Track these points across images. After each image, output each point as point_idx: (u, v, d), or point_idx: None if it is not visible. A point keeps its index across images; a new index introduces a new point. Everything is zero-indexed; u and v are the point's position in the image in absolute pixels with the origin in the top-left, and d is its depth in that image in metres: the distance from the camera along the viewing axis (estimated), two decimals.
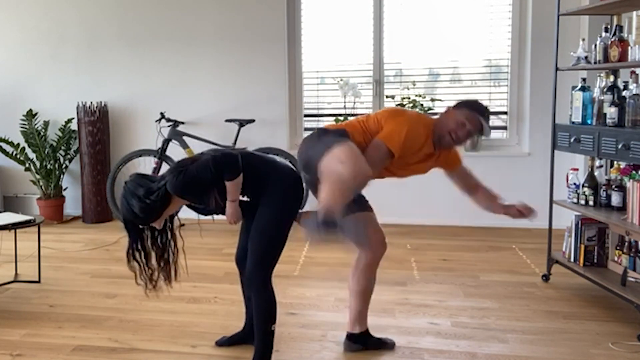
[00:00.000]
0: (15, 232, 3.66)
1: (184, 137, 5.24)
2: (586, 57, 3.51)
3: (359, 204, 2.71)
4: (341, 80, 5.42)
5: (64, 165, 5.66)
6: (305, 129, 5.53)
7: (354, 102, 5.42)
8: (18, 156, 5.56)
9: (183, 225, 2.54)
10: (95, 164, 5.48)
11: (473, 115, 2.54)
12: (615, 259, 3.42)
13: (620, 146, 3.01)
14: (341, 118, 5.40)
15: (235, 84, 5.42)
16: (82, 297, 3.55)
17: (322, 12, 5.39)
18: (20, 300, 3.49)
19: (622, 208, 3.27)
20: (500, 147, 5.26)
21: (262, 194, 2.44)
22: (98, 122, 5.45)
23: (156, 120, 5.31)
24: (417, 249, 4.53)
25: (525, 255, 4.31)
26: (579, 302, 3.37)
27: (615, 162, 3.43)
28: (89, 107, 5.43)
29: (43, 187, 5.58)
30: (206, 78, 5.51)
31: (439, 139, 2.58)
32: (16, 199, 5.86)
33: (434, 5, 5.21)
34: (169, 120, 5.28)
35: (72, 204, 5.78)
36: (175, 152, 5.19)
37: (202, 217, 2.64)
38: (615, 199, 3.32)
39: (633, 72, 3.18)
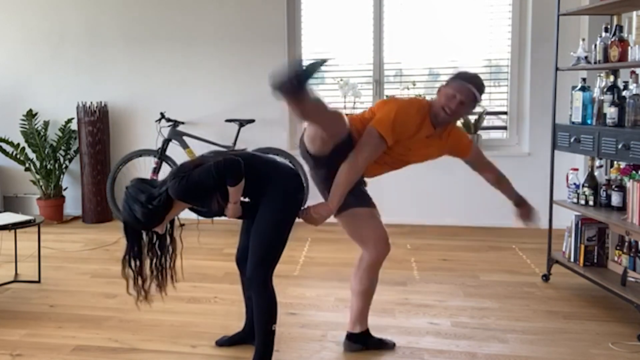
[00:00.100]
0: (15, 232, 3.66)
1: (184, 137, 5.24)
2: (586, 57, 3.51)
3: (361, 200, 2.70)
4: (341, 80, 5.42)
5: (64, 165, 5.66)
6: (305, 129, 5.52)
7: (354, 102, 5.42)
8: (18, 156, 5.56)
9: (183, 225, 2.54)
10: (95, 164, 5.48)
11: (461, 85, 2.51)
12: (615, 259, 3.42)
13: (620, 146, 3.01)
14: None
15: (235, 84, 5.42)
16: (82, 297, 3.54)
17: (322, 12, 5.39)
18: (20, 300, 3.49)
19: (622, 208, 3.27)
20: (500, 147, 5.26)
21: (262, 195, 2.44)
22: (98, 122, 5.45)
23: (156, 120, 5.31)
24: (417, 249, 4.53)
25: (525, 255, 4.30)
26: (579, 302, 3.37)
27: (615, 162, 3.43)
28: (89, 107, 5.43)
29: (43, 187, 5.58)
30: (206, 78, 5.50)
31: (435, 117, 2.57)
32: (16, 199, 5.86)
33: (434, 5, 5.21)
34: (169, 120, 5.28)
35: (72, 204, 5.78)
36: (175, 152, 5.20)
37: (201, 218, 2.64)
38: (615, 199, 3.32)
39: (633, 72, 3.18)
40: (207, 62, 5.47)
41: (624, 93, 3.24)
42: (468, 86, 2.52)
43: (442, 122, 2.58)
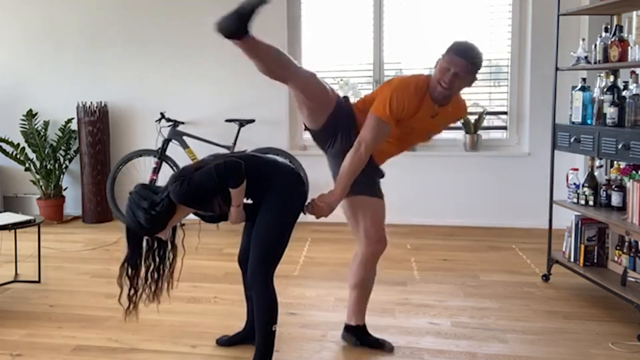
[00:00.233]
0: (15, 232, 3.66)
1: (184, 137, 5.24)
2: (586, 57, 3.51)
3: (370, 189, 2.69)
4: (341, 80, 5.42)
5: (64, 165, 5.66)
6: (305, 129, 5.52)
7: None
8: (18, 156, 5.56)
9: (183, 224, 2.54)
10: (95, 164, 5.48)
11: (454, 58, 2.48)
12: (615, 259, 3.42)
13: (620, 146, 3.01)
14: None
15: (235, 84, 5.42)
16: (82, 297, 3.55)
17: (322, 12, 5.39)
18: (20, 300, 3.49)
19: (622, 208, 3.27)
20: (500, 147, 5.27)
21: (264, 195, 2.45)
22: (98, 122, 5.45)
23: (156, 120, 5.31)
24: (417, 249, 4.53)
25: (525, 255, 4.30)
26: (579, 302, 3.37)
27: (615, 162, 3.43)
28: (89, 107, 5.43)
29: (43, 187, 5.58)
30: (206, 78, 5.50)
31: (433, 91, 2.55)
32: (16, 199, 5.86)
33: (434, 5, 5.21)
34: (169, 120, 5.28)
35: (72, 204, 5.78)
36: (175, 152, 5.20)
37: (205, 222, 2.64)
38: (615, 199, 3.32)
39: (633, 72, 3.18)
40: (207, 62, 5.46)
41: (624, 93, 3.24)
42: (460, 59, 2.47)
43: (440, 96, 2.54)
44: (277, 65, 2.55)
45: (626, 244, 3.34)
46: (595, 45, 3.39)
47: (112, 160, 5.61)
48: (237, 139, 5.20)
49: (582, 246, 3.50)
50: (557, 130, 3.66)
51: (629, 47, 3.17)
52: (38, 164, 5.56)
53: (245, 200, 2.46)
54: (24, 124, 5.57)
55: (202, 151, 5.06)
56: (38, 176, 5.57)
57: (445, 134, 5.36)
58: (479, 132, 5.18)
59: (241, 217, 2.47)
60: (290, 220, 2.47)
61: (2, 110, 5.82)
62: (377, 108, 2.53)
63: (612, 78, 3.35)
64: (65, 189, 5.73)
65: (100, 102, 5.50)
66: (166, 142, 5.22)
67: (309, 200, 2.57)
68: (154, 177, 5.17)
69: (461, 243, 4.68)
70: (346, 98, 2.74)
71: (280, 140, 5.34)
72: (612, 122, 3.18)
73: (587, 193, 3.48)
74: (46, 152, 5.54)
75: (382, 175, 2.79)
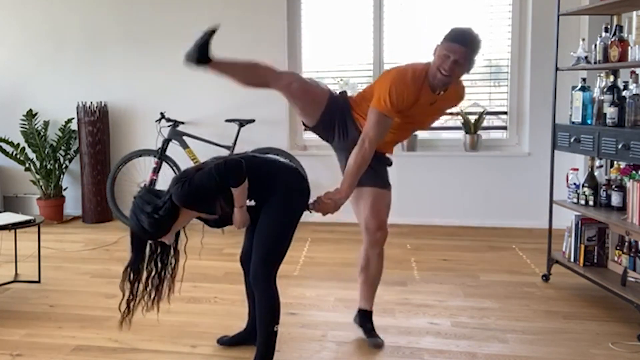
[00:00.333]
0: (15, 232, 3.66)
1: (184, 137, 5.24)
2: (586, 57, 3.51)
3: (374, 179, 2.74)
4: (341, 80, 5.42)
5: (64, 165, 5.66)
6: (305, 129, 5.52)
7: None
8: (18, 156, 5.56)
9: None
10: (95, 164, 5.48)
11: (453, 45, 2.49)
12: (615, 259, 3.42)
13: (620, 146, 3.01)
14: None
15: (235, 84, 5.40)
16: (82, 297, 3.55)
17: (322, 12, 5.39)
18: (20, 300, 3.49)
19: (622, 208, 3.27)
20: (500, 147, 5.26)
21: (266, 196, 2.44)
22: (98, 122, 5.45)
23: (156, 120, 5.30)
24: (417, 249, 4.53)
25: (525, 255, 4.30)
26: (579, 302, 3.37)
27: (615, 162, 3.43)
28: (89, 107, 5.43)
29: (43, 187, 5.58)
30: (206, 78, 5.45)
31: (433, 79, 2.56)
32: (16, 199, 5.86)
33: (434, 5, 5.21)
34: (169, 120, 5.28)
35: (72, 204, 5.78)
36: (176, 152, 5.20)
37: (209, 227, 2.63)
38: (615, 199, 3.32)
39: (633, 72, 3.18)
40: None
41: (624, 93, 3.24)
42: (458, 46, 2.48)
43: (440, 83, 2.55)
44: (251, 77, 2.75)
45: (626, 244, 3.34)
46: (595, 45, 3.39)
47: (112, 160, 5.61)
48: (237, 139, 5.19)
49: (582, 246, 3.50)
50: (557, 130, 3.66)
51: (629, 47, 3.17)
52: (38, 164, 5.56)
53: (247, 202, 2.46)
54: (24, 124, 5.57)
55: (202, 151, 5.07)
56: (38, 176, 5.57)
57: (445, 134, 5.39)
58: (479, 132, 5.18)
59: (246, 219, 2.46)
60: (292, 220, 2.47)
61: (2, 110, 5.82)
62: (378, 102, 2.55)
63: (612, 78, 3.35)
64: (65, 189, 5.73)
65: (100, 102, 5.50)
66: (166, 142, 5.22)
67: (314, 198, 2.57)
68: (154, 177, 5.17)
69: (461, 243, 4.68)
70: (343, 92, 2.83)
71: (280, 140, 5.34)
72: (612, 122, 3.18)
73: (587, 193, 3.48)
74: (46, 152, 5.54)
75: (389, 164, 2.85)
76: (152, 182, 5.13)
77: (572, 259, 3.58)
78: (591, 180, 3.49)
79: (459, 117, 5.14)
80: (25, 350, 2.82)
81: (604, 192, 3.40)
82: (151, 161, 5.29)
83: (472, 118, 5.17)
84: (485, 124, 5.28)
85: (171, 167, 5.19)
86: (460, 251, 4.45)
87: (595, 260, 3.50)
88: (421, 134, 5.24)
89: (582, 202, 3.50)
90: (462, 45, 2.47)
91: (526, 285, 3.65)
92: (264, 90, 5.47)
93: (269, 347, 2.48)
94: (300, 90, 2.69)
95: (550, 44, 3.77)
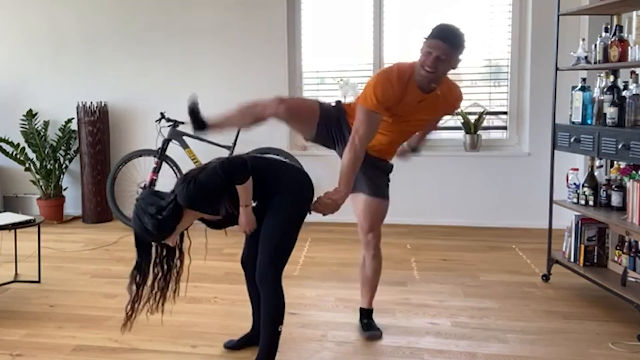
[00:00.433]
0: (15, 232, 3.66)
1: (184, 137, 5.23)
2: (586, 57, 3.51)
3: (364, 186, 2.81)
4: (341, 80, 5.42)
5: (64, 165, 5.66)
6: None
7: None
8: (18, 156, 5.56)
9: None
10: (95, 164, 5.48)
11: (435, 42, 2.51)
12: (615, 259, 3.42)
13: (620, 146, 3.01)
14: None
15: (235, 84, 5.41)
16: (82, 297, 3.55)
17: (322, 12, 5.39)
18: (20, 300, 3.49)
19: (622, 208, 3.27)
20: (500, 147, 5.27)
21: (272, 196, 2.44)
22: (98, 122, 5.45)
23: (156, 120, 5.30)
24: (417, 249, 4.53)
25: (525, 255, 4.30)
26: (579, 302, 3.37)
27: (615, 162, 3.43)
28: (89, 107, 5.43)
29: (43, 187, 5.58)
30: (206, 78, 5.50)
31: (418, 76, 2.58)
32: (16, 199, 5.86)
33: (434, 5, 5.21)
34: (169, 120, 5.28)
35: (72, 204, 5.78)
36: (176, 152, 5.20)
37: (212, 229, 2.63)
38: (615, 199, 3.32)
39: (633, 72, 3.18)
40: (207, 62, 5.47)
41: (624, 93, 3.24)
42: (439, 42, 2.49)
43: (425, 80, 2.57)
44: (247, 120, 2.90)
45: (626, 244, 3.34)
46: (595, 45, 3.39)
47: (112, 160, 5.61)
48: (237, 138, 5.19)
49: (582, 246, 3.50)
50: (557, 130, 3.66)
51: (629, 47, 3.17)
52: (38, 164, 5.56)
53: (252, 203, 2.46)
54: (24, 124, 5.57)
55: (202, 151, 5.07)
56: (38, 176, 5.57)
57: (445, 134, 5.38)
58: (479, 132, 5.18)
59: (252, 221, 2.45)
60: (297, 220, 2.47)
61: (2, 110, 5.82)
62: (364, 100, 2.61)
63: (612, 78, 3.35)
64: (65, 189, 5.73)
65: (100, 102, 5.50)
66: (166, 142, 5.22)
67: (314, 199, 2.58)
68: (154, 177, 5.16)
69: (461, 243, 4.68)
70: (338, 102, 2.90)
71: (280, 140, 5.34)
72: (612, 122, 3.18)
73: (587, 193, 3.48)
74: (46, 152, 5.54)
75: (388, 171, 2.90)
76: (152, 182, 5.13)
77: (572, 259, 3.58)
78: (591, 180, 3.49)
79: (459, 117, 5.14)
80: (25, 350, 2.82)
81: (604, 192, 3.40)
82: (151, 161, 5.29)
83: (472, 118, 5.17)
84: (485, 124, 5.28)
85: (171, 167, 5.19)
86: (460, 251, 4.45)
87: (595, 260, 3.50)
88: None
89: (582, 202, 3.50)
90: (443, 42, 2.49)
91: (526, 285, 3.65)
92: (264, 91, 5.50)
93: (272, 347, 2.49)
94: (288, 112, 2.76)
95: (550, 44, 3.77)
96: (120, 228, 5.21)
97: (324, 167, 4.85)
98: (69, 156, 5.68)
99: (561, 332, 2.96)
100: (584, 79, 3.51)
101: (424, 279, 3.81)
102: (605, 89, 3.32)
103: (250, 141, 5.16)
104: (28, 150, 5.61)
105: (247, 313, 2.80)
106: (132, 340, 2.91)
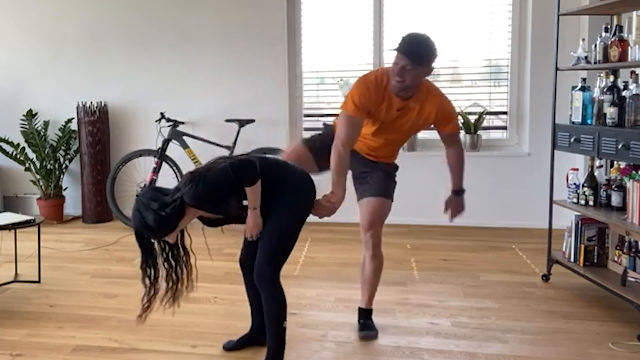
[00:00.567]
0: (15, 232, 3.66)
1: (184, 137, 5.24)
2: (586, 57, 3.51)
3: (362, 190, 2.90)
4: (341, 80, 5.42)
5: (64, 165, 5.66)
6: (305, 129, 5.52)
7: None
8: (18, 156, 5.56)
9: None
10: (95, 164, 5.48)
11: (398, 55, 2.59)
12: (615, 259, 3.42)
13: (620, 146, 3.01)
14: None
15: (235, 84, 5.42)
16: (82, 297, 3.54)
17: (322, 12, 5.39)
18: (20, 300, 3.49)
19: (622, 208, 3.27)
20: (500, 147, 5.26)
21: (274, 197, 2.44)
22: (98, 122, 5.45)
23: (156, 120, 5.30)
24: (417, 249, 4.53)
25: (525, 255, 4.30)
26: (579, 302, 3.37)
27: (615, 162, 3.43)
28: (89, 107, 5.43)
29: (43, 187, 5.58)
30: (206, 78, 5.50)
31: (390, 84, 2.66)
32: (16, 199, 5.86)
33: (434, 5, 5.21)
34: (169, 120, 5.28)
35: (72, 204, 5.78)
36: (176, 152, 5.20)
37: (209, 227, 2.63)
38: (615, 199, 3.32)
39: (633, 72, 3.18)
40: (207, 62, 5.46)
41: (624, 93, 3.24)
42: (401, 55, 2.57)
43: (396, 89, 2.65)
44: None
45: (626, 244, 3.34)
46: (595, 45, 3.39)
47: (112, 160, 5.61)
48: (237, 139, 5.20)
49: (582, 246, 3.50)
50: (557, 130, 3.66)
51: (629, 47, 3.17)
52: (38, 164, 5.56)
53: None
54: (24, 124, 5.57)
55: (202, 151, 5.07)
56: (38, 176, 5.57)
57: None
58: (479, 132, 5.18)
59: (258, 224, 2.45)
60: (298, 221, 2.48)
61: (2, 110, 5.82)
62: (344, 105, 2.72)
63: (612, 78, 3.35)
64: (65, 189, 5.73)
65: (100, 102, 5.50)
66: (166, 142, 5.22)
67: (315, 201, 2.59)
68: (154, 177, 5.17)
69: (461, 243, 4.68)
70: (327, 126, 3.03)
71: (280, 140, 5.33)
72: (612, 122, 3.18)
73: (587, 193, 3.48)
74: (46, 152, 5.54)
75: (389, 171, 2.97)
76: (152, 182, 5.13)
77: (572, 259, 3.58)
78: (591, 180, 3.49)
79: (459, 117, 5.14)
80: (25, 350, 2.82)
81: (604, 192, 3.40)
82: (151, 161, 5.29)
83: (472, 118, 5.17)
84: (485, 124, 5.28)
85: (171, 167, 5.19)
86: (460, 251, 4.45)
87: (595, 260, 3.50)
88: (421, 134, 5.22)
89: (582, 202, 3.50)
90: (405, 56, 2.57)
91: (526, 285, 3.65)
92: (264, 91, 5.51)
93: (280, 344, 2.50)
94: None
95: (550, 44, 3.77)
96: (120, 228, 5.21)
97: None
98: (69, 156, 5.68)
99: (561, 332, 2.96)
100: (584, 79, 3.51)
101: (424, 279, 3.81)
102: (605, 89, 3.32)
103: (250, 141, 5.17)
104: (28, 150, 5.60)
105: (247, 313, 2.80)
106: (132, 340, 2.91)
